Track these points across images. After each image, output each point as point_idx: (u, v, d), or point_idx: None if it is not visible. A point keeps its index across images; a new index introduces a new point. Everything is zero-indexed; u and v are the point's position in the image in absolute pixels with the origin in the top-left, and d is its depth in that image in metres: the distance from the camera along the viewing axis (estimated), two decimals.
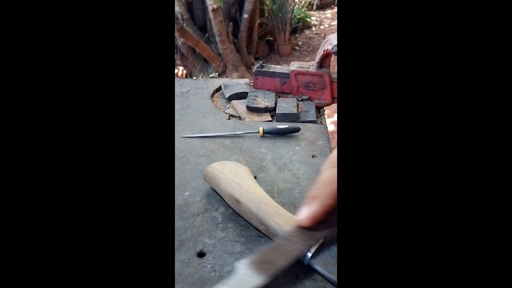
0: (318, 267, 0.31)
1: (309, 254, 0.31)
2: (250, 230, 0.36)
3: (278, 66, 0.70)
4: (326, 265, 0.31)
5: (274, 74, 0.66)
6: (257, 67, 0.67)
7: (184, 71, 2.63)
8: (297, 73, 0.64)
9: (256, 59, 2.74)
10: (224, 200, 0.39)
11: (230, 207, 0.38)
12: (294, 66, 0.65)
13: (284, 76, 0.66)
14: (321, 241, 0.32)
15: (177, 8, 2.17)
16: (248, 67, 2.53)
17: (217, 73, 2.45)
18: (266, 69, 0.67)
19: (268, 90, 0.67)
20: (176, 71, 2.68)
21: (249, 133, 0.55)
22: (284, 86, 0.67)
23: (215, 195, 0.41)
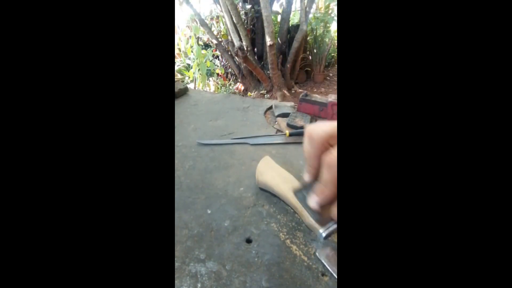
0: (323, 260, 0.27)
1: (323, 234, 0.28)
2: (287, 227, 0.33)
3: (318, 96, 0.66)
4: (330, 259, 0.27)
5: (314, 102, 0.63)
6: (302, 95, 0.64)
7: (242, 87, 2.65)
8: (333, 104, 0.60)
9: (296, 83, 2.68)
10: (269, 198, 0.37)
11: (273, 205, 0.36)
12: (332, 98, 0.61)
13: (323, 105, 0.61)
14: (334, 225, 0.28)
15: (244, 42, 2.19)
16: (289, 89, 2.48)
17: (265, 91, 2.44)
18: (309, 98, 0.63)
19: (308, 114, 0.64)
20: (237, 86, 2.71)
21: (280, 134, 0.57)
22: (321, 113, 0.62)
23: (263, 193, 0.39)
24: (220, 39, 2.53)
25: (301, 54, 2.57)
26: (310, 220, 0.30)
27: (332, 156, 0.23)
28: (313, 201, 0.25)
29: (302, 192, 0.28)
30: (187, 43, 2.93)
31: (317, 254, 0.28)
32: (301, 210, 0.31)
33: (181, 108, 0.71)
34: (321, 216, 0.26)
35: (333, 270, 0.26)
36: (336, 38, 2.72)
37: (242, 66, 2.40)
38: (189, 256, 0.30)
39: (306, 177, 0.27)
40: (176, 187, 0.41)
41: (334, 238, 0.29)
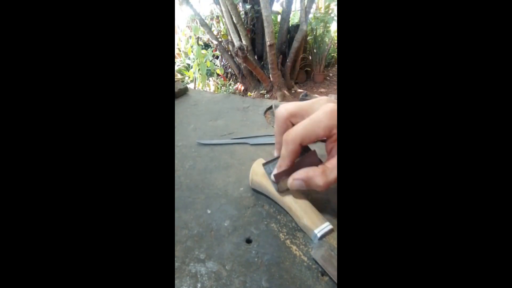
0: (319, 260, 0.27)
1: (318, 235, 0.28)
2: (287, 227, 0.33)
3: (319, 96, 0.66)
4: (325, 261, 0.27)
5: None
6: (302, 95, 0.64)
7: (242, 87, 2.66)
8: None
9: (296, 83, 2.68)
10: (269, 198, 0.37)
11: (273, 205, 0.36)
12: (332, 98, 0.61)
13: None
14: (329, 226, 0.28)
15: (244, 42, 2.19)
16: (289, 89, 2.48)
17: (265, 91, 2.44)
18: (309, 98, 0.63)
19: None
20: (237, 86, 2.71)
21: None
22: None
23: (263, 194, 0.39)
24: (220, 39, 2.53)
25: (301, 54, 2.58)
26: (304, 221, 0.30)
27: (288, 133, 0.26)
28: (273, 173, 0.27)
29: (269, 165, 0.30)
30: (187, 43, 2.93)
31: (312, 255, 0.28)
32: (295, 211, 0.31)
33: (181, 108, 0.71)
34: (279, 186, 0.28)
35: (329, 272, 0.26)
36: (336, 38, 2.72)
37: (242, 66, 2.40)
38: (189, 256, 0.30)
39: (275, 152, 0.30)
40: (176, 187, 0.41)
41: (329, 239, 0.29)
